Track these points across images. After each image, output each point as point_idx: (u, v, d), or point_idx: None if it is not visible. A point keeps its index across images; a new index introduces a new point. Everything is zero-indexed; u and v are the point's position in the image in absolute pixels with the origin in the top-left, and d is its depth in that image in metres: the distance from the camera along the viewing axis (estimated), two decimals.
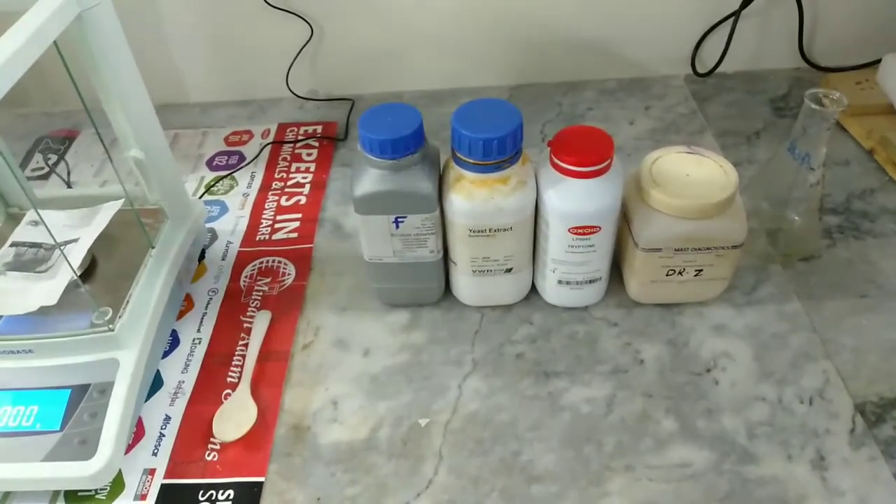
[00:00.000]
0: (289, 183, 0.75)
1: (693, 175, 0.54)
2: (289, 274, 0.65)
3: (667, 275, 0.56)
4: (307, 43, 0.83)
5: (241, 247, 0.68)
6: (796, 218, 0.60)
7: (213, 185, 0.75)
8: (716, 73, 0.87)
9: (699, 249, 0.54)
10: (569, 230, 0.53)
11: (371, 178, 0.51)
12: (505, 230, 0.54)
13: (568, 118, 0.81)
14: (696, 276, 0.56)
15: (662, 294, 0.58)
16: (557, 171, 0.52)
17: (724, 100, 0.83)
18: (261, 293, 0.63)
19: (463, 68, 0.85)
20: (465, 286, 0.59)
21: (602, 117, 0.81)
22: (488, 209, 0.52)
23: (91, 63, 0.50)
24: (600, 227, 0.53)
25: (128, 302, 0.53)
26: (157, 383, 0.56)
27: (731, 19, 0.81)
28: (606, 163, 0.52)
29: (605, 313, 0.59)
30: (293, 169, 0.77)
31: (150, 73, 0.55)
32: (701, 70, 0.87)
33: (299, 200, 0.73)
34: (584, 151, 0.51)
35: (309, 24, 0.81)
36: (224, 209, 0.72)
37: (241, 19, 0.81)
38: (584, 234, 0.53)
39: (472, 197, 0.52)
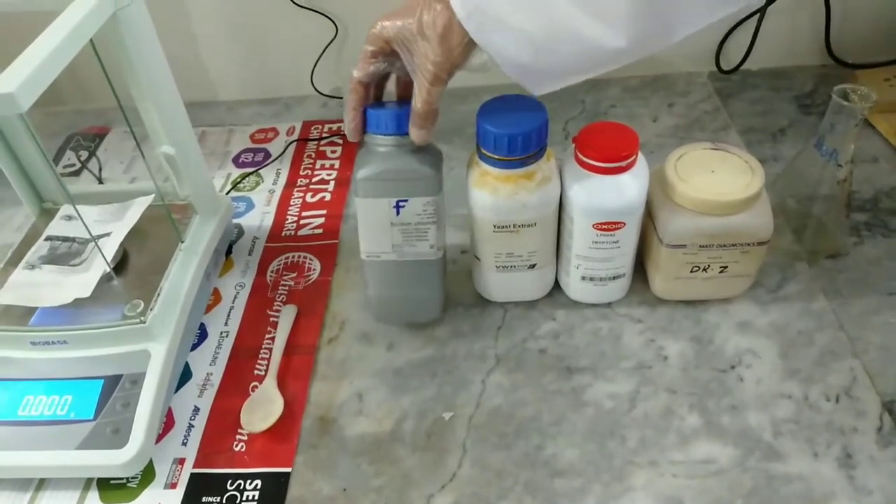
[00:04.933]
0: (314, 180, 0.76)
1: (718, 171, 0.54)
2: (314, 269, 0.66)
3: (691, 271, 0.56)
4: (332, 41, 0.84)
5: (267, 242, 0.69)
6: (823, 215, 0.60)
7: (239, 182, 0.76)
8: (740, 71, 0.86)
9: (724, 246, 0.54)
10: (593, 226, 0.53)
11: (376, 159, 0.51)
12: (529, 226, 0.54)
13: (591, 115, 0.81)
14: (720, 272, 0.56)
15: (687, 291, 0.58)
16: (582, 167, 0.52)
17: (748, 97, 0.83)
18: (287, 288, 0.64)
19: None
20: (489, 281, 0.59)
21: (625, 115, 0.81)
22: (513, 205, 0.52)
23: (125, 61, 0.51)
24: (625, 223, 0.53)
25: (158, 295, 0.54)
26: (185, 375, 0.57)
27: (757, 16, 0.81)
28: (632, 158, 0.52)
29: (628, 310, 0.60)
30: (318, 166, 0.78)
31: (178, 71, 0.56)
32: (725, 67, 0.86)
33: (324, 197, 0.74)
34: (609, 147, 0.51)
35: (334, 22, 0.82)
36: (250, 205, 0.74)
37: (267, 18, 0.83)
38: (608, 230, 0.53)
39: (496, 192, 0.52)
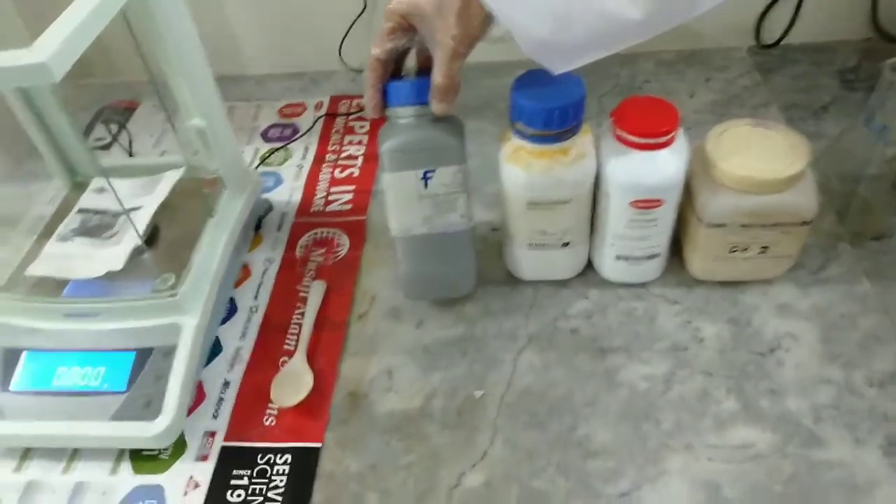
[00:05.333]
0: (342, 155, 0.75)
1: (761, 148, 0.52)
2: (343, 245, 0.65)
3: (730, 251, 0.54)
4: (360, 15, 0.82)
5: (296, 217, 0.68)
6: (869, 195, 0.57)
7: (267, 157, 0.76)
8: (781, 45, 0.83)
9: (766, 226, 0.52)
10: (630, 204, 0.52)
11: (400, 131, 0.50)
12: (563, 203, 0.53)
13: (625, 90, 0.79)
14: (760, 253, 0.54)
15: (725, 271, 0.57)
16: (620, 143, 0.51)
17: (789, 72, 0.80)
18: (316, 263, 0.64)
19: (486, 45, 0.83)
20: (521, 259, 0.58)
21: (660, 90, 0.79)
22: (547, 181, 0.51)
23: (155, 33, 0.51)
24: (663, 201, 0.52)
25: (189, 269, 0.54)
26: (216, 349, 0.57)
27: None
28: (672, 134, 0.50)
29: (663, 290, 0.58)
30: (346, 141, 0.77)
31: (207, 44, 0.55)
32: (766, 41, 0.83)
33: (352, 173, 0.73)
34: (648, 122, 0.50)
35: None
36: (279, 180, 0.73)
37: None
38: (646, 207, 0.52)
39: (530, 168, 0.51)
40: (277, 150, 0.77)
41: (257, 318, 0.59)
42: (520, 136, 0.51)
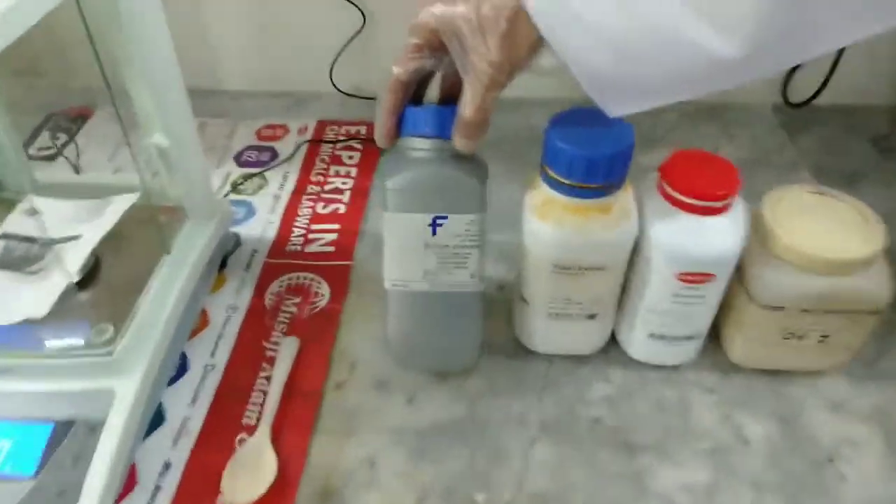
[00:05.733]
0: (326, 188, 0.66)
1: (826, 221, 0.45)
2: (322, 294, 0.55)
3: (784, 338, 0.46)
4: (358, 33, 0.74)
5: (268, 257, 0.58)
6: None
7: (240, 184, 0.66)
8: (809, 105, 0.77)
9: (831, 312, 0.45)
10: (676, 276, 0.43)
11: (411, 165, 0.42)
12: (597, 270, 0.44)
13: (646, 140, 0.71)
14: (819, 342, 0.47)
15: (771, 359, 0.49)
16: (670, 203, 0.43)
17: (818, 134, 0.74)
18: (289, 315, 0.53)
19: (528, 76, 0.76)
20: (536, 329, 0.49)
21: (683, 143, 0.71)
22: (582, 243, 0.42)
23: (117, 28, 0.41)
24: (715, 276, 0.44)
25: (133, 318, 0.44)
26: (157, 418, 0.46)
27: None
28: (731, 198, 0.42)
29: (698, 376, 0.50)
30: (332, 172, 0.68)
31: (179, 51, 0.46)
32: (793, 99, 0.77)
33: (338, 209, 0.63)
34: (704, 181, 0.42)
35: (362, 11, 0.72)
36: (251, 211, 0.63)
37: (286, 1, 0.73)
38: (695, 282, 0.44)
39: (562, 225, 0.42)
40: (252, 176, 0.67)
41: (213, 380, 0.49)
42: (552, 185, 0.42)
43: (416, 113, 0.41)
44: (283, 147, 0.71)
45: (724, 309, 0.48)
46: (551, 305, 0.47)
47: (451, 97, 0.44)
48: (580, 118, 0.42)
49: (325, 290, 0.56)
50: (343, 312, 0.54)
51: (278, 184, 0.66)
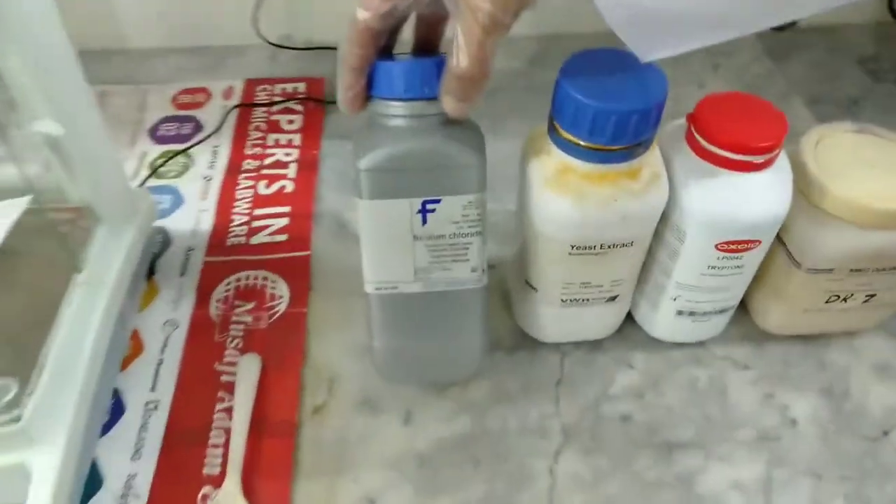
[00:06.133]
0: (266, 162, 0.55)
1: (876, 165, 0.38)
2: (280, 296, 0.46)
3: (827, 301, 0.41)
4: None
5: (207, 255, 0.48)
6: None
7: (161, 166, 0.55)
8: (791, 28, 0.71)
9: (882, 270, 0.39)
10: (717, 246, 0.36)
11: (388, 137, 0.33)
12: (623, 246, 0.36)
13: None
14: (864, 302, 0.41)
15: (808, 324, 0.43)
16: (705, 160, 0.35)
17: (804, 59, 0.68)
18: (242, 326, 0.44)
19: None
20: (547, 319, 0.41)
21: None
22: (608, 217, 0.35)
23: None
24: (759, 242, 0.37)
25: (43, 365, 0.34)
26: (93, 481, 0.37)
27: None
28: (778, 150, 0.35)
29: (727, 350, 0.44)
30: (271, 142, 0.57)
31: (66, 4, 0.34)
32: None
33: (284, 187, 0.53)
34: (745, 130, 0.34)
35: None
36: (178, 200, 0.52)
37: None
38: (736, 250, 0.37)
39: (583, 199, 0.34)
40: (175, 155, 0.56)
41: (158, 422, 0.39)
42: (567, 150, 0.34)
43: (390, 69, 0.32)
44: (208, 115, 0.59)
45: (762, 275, 0.42)
46: (565, 291, 0.39)
47: (428, 45, 0.35)
48: (598, 62, 0.33)
49: (282, 289, 0.46)
50: (309, 316, 0.45)
51: (207, 161, 0.55)
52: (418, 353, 0.38)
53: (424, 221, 0.34)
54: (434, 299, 0.36)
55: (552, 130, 0.34)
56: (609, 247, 0.36)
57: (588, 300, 0.39)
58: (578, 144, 0.33)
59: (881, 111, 0.62)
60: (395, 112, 0.33)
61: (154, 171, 0.54)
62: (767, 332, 0.44)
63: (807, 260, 0.38)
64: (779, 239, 0.40)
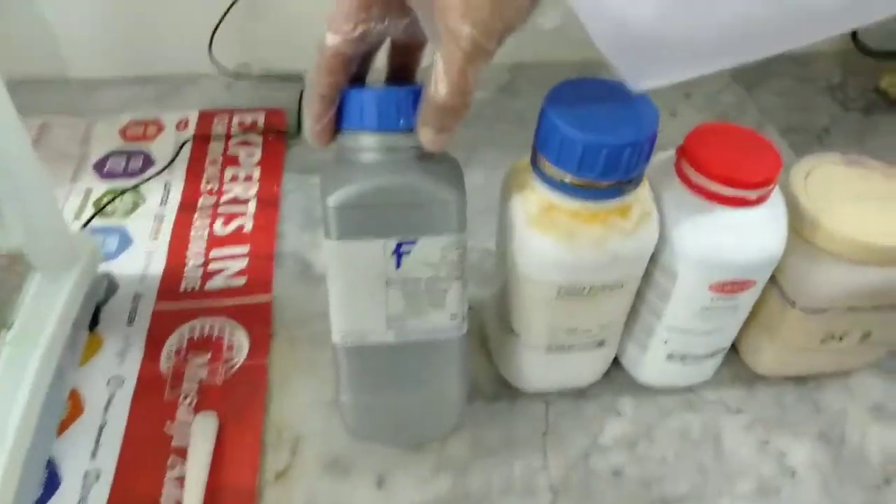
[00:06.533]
0: (224, 198, 0.52)
1: (870, 198, 0.37)
2: (239, 346, 0.42)
3: (822, 342, 0.39)
4: None
5: (157, 302, 0.44)
6: None
7: (107, 204, 0.50)
8: None
9: (879, 308, 0.37)
10: (710, 287, 0.34)
11: (360, 174, 0.30)
12: (612, 288, 0.34)
13: None
14: (860, 342, 0.39)
15: (802, 365, 0.41)
16: (697, 195, 0.33)
17: (774, 87, 0.68)
18: (197, 382, 0.40)
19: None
20: (530, 366, 0.38)
21: None
22: (598, 259, 0.32)
23: None
24: (755, 282, 0.35)
25: None
26: None
27: None
28: (773, 185, 0.33)
29: (719, 394, 0.41)
30: (228, 177, 0.54)
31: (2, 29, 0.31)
32: None
33: (242, 226, 0.50)
34: (739, 163, 0.32)
35: None
36: (125, 240, 0.48)
37: None
38: (731, 291, 0.35)
39: (572, 239, 0.31)
40: (123, 192, 0.51)
41: (100, 495, 0.35)
42: (553, 185, 0.31)
43: (362, 98, 0.29)
44: (160, 149, 0.55)
45: (753, 314, 0.40)
46: (551, 337, 0.36)
47: (403, 73, 0.33)
48: (585, 91, 0.31)
49: (241, 339, 0.42)
50: (270, 368, 0.41)
51: (159, 198, 0.51)
52: (392, 408, 0.35)
53: (399, 264, 0.31)
54: (409, 350, 0.33)
55: (536, 165, 0.32)
56: (598, 289, 0.34)
57: (574, 346, 0.37)
58: (565, 181, 0.31)
59: (852, 140, 0.61)
60: (368, 145, 0.30)
61: (99, 210, 0.50)
62: (759, 375, 0.42)
63: (801, 299, 0.36)
64: (772, 277, 0.38)
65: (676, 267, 0.34)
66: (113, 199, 0.50)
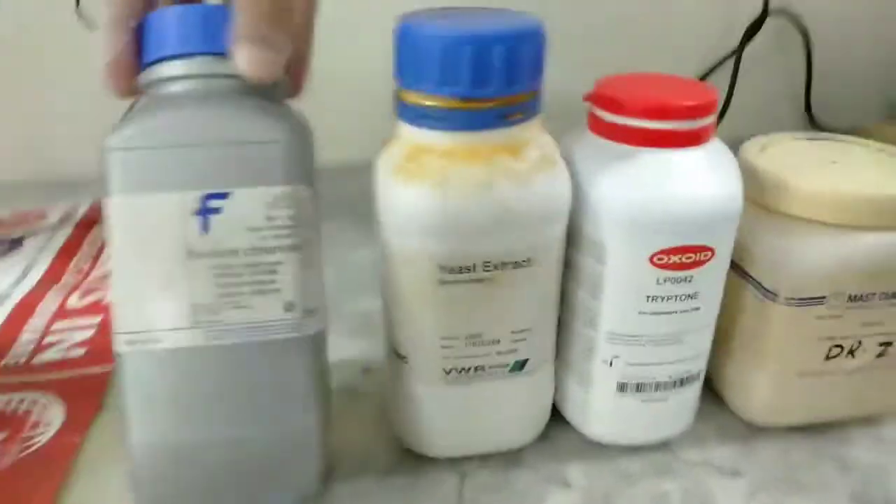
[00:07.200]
0: (92, 276, 0.43)
1: (844, 162, 0.29)
2: (48, 422, 0.31)
3: (828, 357, 0.28)
4: None
5: None
6: None
7: None
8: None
9: (892, 298, 0.27)
10: (652, 259, 0.25)
11: (157, 108, 0.23)
12: (516, 268, 0.25)
13: None
14: (879, 356, 0.29)
15: (810, 405, 0.30)
16: (617, 142, 0.26)
17: None
18: None
19: None
20: (430, 410, 0.27)
21: None
22: (484, 210, 0.23)
23: None
24: (712, 251, 0.26)
25: None
26: None
27: (732, 62, 0.63)
28: (711, 118, 0.26)
29: (704, 454, 0.30)
30: (106, 257, 0.46)
31: None
32: None
33: (101, 299, 0.41)
34: (664, 95, 0.25)
35: None
36: None
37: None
38: (680, 266, 0.25)
39: (445, 183, 0.23)
40: None
41: None
42: (417, 119, 0.24)
43: (161, 19, 0.23)
44: (34, 236, 0.48)
45: (723, 336, 0.30)
46: (447, 352, 0.26)
47: None
48: (450, 13, 0.25)
49: (54, 415, 0.32)
50: (87, 446, 0.30)
51: (13, 279, 0.43)
52: (205, 457, 0.23)
53: (206, 227, 0.23)
54: (225, 358, 0.23)
55: (397, 102, 0.25)
56: (495, 267, 0.24)
57: (483, 369, 0.26)
58: (428, 105, 0.23)
59: None
60: (170, 73, 0.23)
61: None
62: (755, 425, 0.31)
63: (784, 284, 0.27)
64: (739, 271, 0.29)
65: (602, 236, 0.25)
66: None
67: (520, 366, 0.27)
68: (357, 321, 0.37)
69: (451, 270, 0.24)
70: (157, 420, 0.23)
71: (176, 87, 0.23)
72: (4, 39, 0.54)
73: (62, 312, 0.39)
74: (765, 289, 0.28)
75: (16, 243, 0.47)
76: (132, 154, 0.22)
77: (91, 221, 0.50)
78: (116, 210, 0.22)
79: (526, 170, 0.24)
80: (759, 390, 0.29)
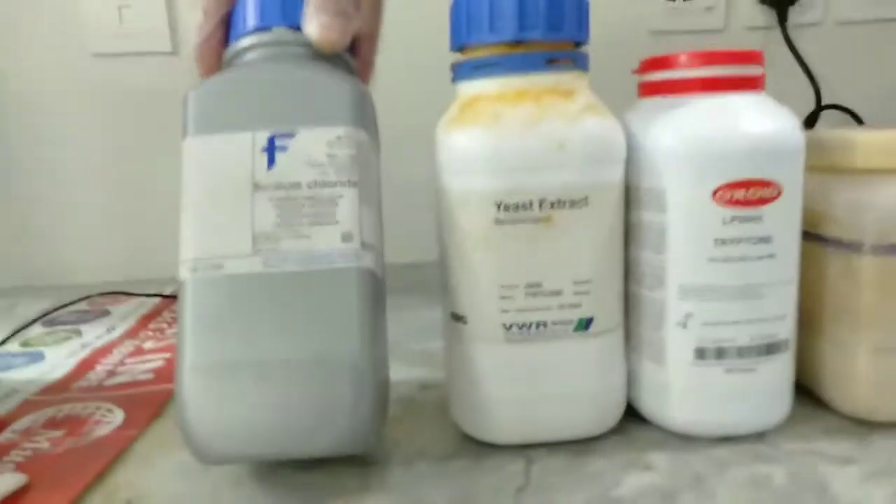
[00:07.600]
0: (168, 333, 0.45)
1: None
2: (107, 422, 0.31)
3: None
4: None
5: (36, 395, 0.35)
6: None
7: (34, 340, 0.44)
8: None
9: None
10: (714, 194, 0.24)
11: (236, 67, 0.26)
12: (572, 208, 0.24)
13: None
14: None
15: None
16: (671, 95, 0.26)
17: None
18: (31, 450, 0.28)
19: None
20: (493, 379, 0.26)
21: None
22: (538, 145, 0.24)
23: None
24: (780, 188, 0.25)
25: None
26: None
27: None
28: (760, 66, 0.26)
29: (809, 444, 0.26)
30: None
31: None
32: None
33: (173, 344, 0.42)
34: (713, 52, 0.26)
35: None
36: (35, 357, 0.41)
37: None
38: (747, 202, 0.24)
39: (498, 122, 0.24)
40: (57, 332, 0.46)
41: None
42: (471, 73, 0.26)
43: (246, 3, 0.27)
44: (120, 309, 0.51)
45: (809, 317, 0.27)
46: (507, 304, 0.25)
47: None
48: None
49: (115, 417, 0.31)
50: (138, 439, 0.29)
51: (98, 333, 0.45)
52: (260, 382, 0.22)
53: (272, 163, 0.24)
54: (283, 285, 0.23)
55: (454, 69, 0.27)
56: (552, 205, 0.24)
57: (545, 325, 0.25)
58: (480, 56, 0.25)
59: None
60: (247, 44, 0.26)
61: (24, 345, 0.43)
62: (860, 420, 0.27)
63: (867, 230, 0.25)
64: (814, 238, 0.27)
65: (661, 182, 0.25)
66: (46, 336, 0.44)
67: (585, 324, 0.25)
68: (418, 356, 0.36)
69: (507, 208, 0.24)
70: (213, 342, 0.23)
71: (252, 55, 0.26)
72: (121, 149, 0.61)
73: (136, 352, 0.40)
74: (846, 244, 0.26)
75: (105, 312, 0.50)
76: (208, 98, 0.25)
77: (175, 298, 0.53)
78: (193, 149, 0.24)
79: (576, 110, 0.25)
80: (860, 371, 0.26)
